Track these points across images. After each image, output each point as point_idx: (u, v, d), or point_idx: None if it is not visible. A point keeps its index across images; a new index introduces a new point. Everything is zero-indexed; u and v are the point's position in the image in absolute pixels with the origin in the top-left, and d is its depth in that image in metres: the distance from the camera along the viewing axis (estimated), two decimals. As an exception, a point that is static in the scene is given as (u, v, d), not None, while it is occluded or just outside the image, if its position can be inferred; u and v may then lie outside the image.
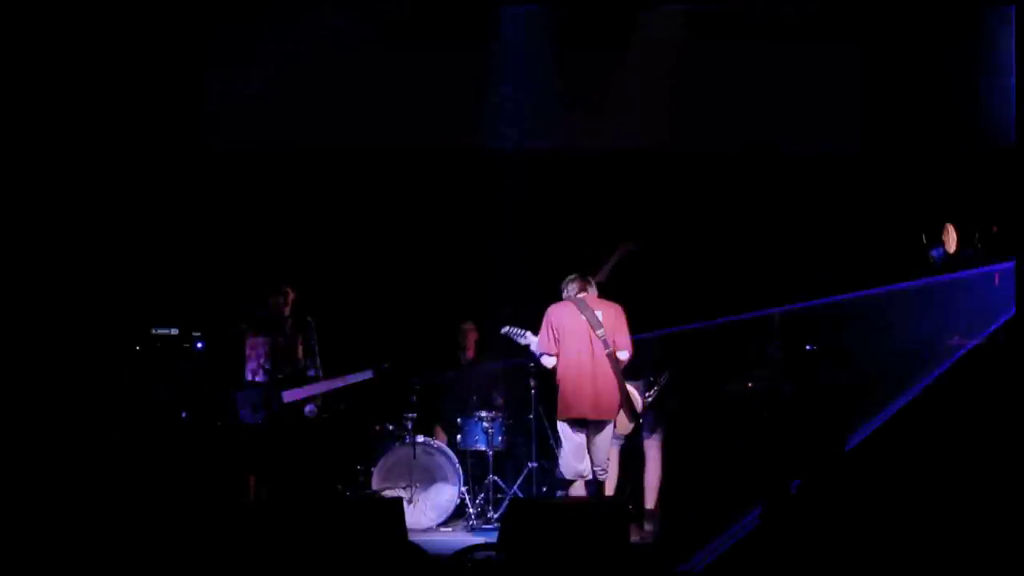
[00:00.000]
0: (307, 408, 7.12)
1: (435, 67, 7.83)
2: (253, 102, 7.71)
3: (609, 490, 6.88)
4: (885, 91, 7.76)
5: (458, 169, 8.33)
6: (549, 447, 7.69)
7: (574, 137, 8.19)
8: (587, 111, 8.06)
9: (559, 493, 7.44)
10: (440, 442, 7.96)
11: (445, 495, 7.59)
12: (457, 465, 7.59)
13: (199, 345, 7.51)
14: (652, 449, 7.24)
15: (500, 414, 7.73)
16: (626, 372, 6.78)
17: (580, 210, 8.34)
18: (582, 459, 6.71)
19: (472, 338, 8.24)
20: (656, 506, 7.20)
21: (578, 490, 6.74)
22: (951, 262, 7.07)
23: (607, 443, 6.76)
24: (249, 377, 7.03)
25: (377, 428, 7.82)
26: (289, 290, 7.12)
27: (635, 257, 7.54)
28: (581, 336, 6.67)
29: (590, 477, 6.68)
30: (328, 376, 7.22)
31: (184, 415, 7.15)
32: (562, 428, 6.75)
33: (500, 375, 7.97)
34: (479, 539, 6.39)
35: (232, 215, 8.17)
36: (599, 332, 6.62)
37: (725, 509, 6.46)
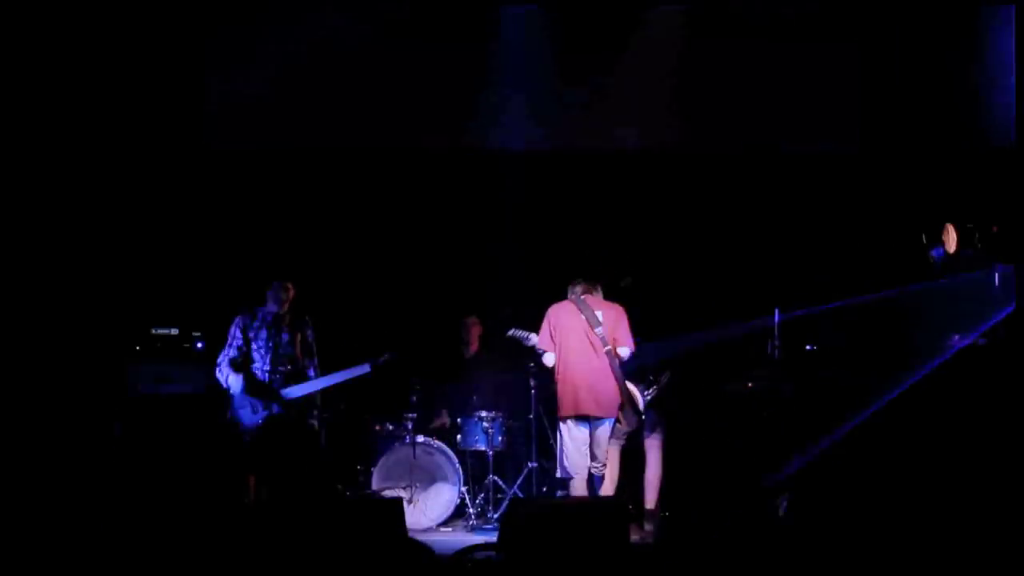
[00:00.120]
0: (308, 422, 7.12)
1: (435, 67, 7.83)
2: (253, 102, 7.71)
3: (609, 490, 6.88)
4: (885, 91, 7.76)
5: (458, 169, 8.34)
6: (549, 447, 7.69)
7: (574, 137, 8.19)
8: (587, 111, 8.06)
9: (559, 493, 7.44)
10: (443, 423, 7.99)
11: (445, 495, 7.59)
12: (457, 465, 7.59)
13: (199, 345, 7.51)
14: (652, 449, 7.24)
15: (500, 414, 7.73)
16: (627, 372, 6.80)
17: (580, 210, 8.35)
18: (582, 458, 6.73)
19: (475, 332, 8.27)
20: (656, 506, 7.21)
21: (578, 490, 6.75)
22: (951, 262, 7.07)
23: (606, 441, 6.80)
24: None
25: (377, 428, 7.83)
26: (290, 287, 7.10)
27: (630, 289, 7.60)
28: (580, 334, 6.74)
29: (586, 475, 6.71)
30: (325, 373, 7.21)
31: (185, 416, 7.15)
32: (562, 427, 6.77)
33: (502, 369, 7.96)
34: (479, 539, 6.39)
35: (233, 215, 8.18)
36: (597, 330, 6.68)
37: (725, 509, 6.47)
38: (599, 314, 6.75)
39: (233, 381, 6.87)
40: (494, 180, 8.34)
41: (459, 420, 7.84)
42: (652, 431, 7.23)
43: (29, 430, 6.87)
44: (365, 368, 7.10)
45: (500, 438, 7.71)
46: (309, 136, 8.04)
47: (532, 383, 7.66)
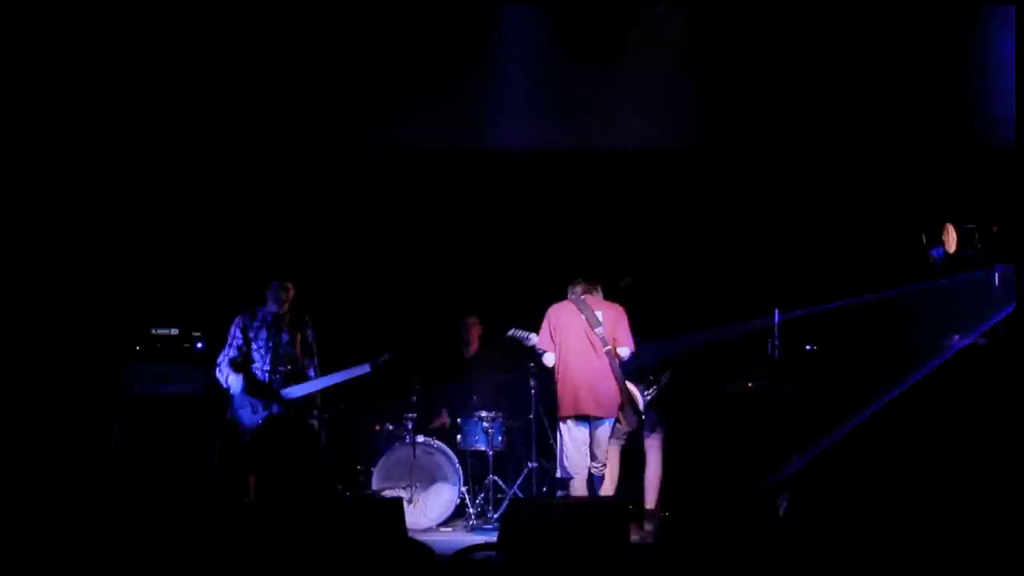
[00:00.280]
0: (308, 422, 7.12)
1: (435, 67, 7.83)
2: (254, 102, 7.70)
3: (609, 490, 6.89)
4: (885, 91, 7.75)
5: (458, 169, 8.34)
6: (549, 447, 7.70)
7: (574, 137, 8.19)
8: (587, 111, 8.06)
9: (559, 493, 7.45)
10: (443, 423, 7.99)
11: (445, 495, 7.59)
12: (457, 465, 7.59)
13: (199, 345, 7.51)
14: (652, 449, 7.25)
15: (500, 414, 7.74)
16: (627, 372, 6.81)
17: (580, 210, 8.35)
18: (582, 458, 6.74)
19: (475, 332, 8.28)
20: (656, 506, 7.21)
21: (578, 490, 6.76)
22: (951, 262, 7.07)
23: (606, 441, 6.81)
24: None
25: (377, 428, 7.83)
26: (289, 287, 7.10)
27: (630, 289, 7.61)
28: (579, 334, 6.76)
29: (586, 475, 6.72)
30: (325, 373, 7.21)
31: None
32: (562, 426, 6.78)
33: (502, 369, 7.96)
34: (479, 539, 6.39)
35: (233, 215, 8.18)
36: (597, 330, 6.69)
37: (725, 509, 6.47)
38: (599, 314, 6.77)
39: (233, 381, 6.87)
40: (494, 180, 8.35)
41: (459, 420, 7.85)
42: (652, 431, 7.24)
43: (29, 430, 6.86)
44: (365, 368, 7.10)
45: (500, 438, 7.71)
46: (310, 136, 8.04)
47: (532, 383, 7.66)
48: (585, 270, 7.10)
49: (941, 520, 5.71)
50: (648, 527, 7.16)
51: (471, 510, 7.65)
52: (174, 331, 7.52)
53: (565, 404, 6.76)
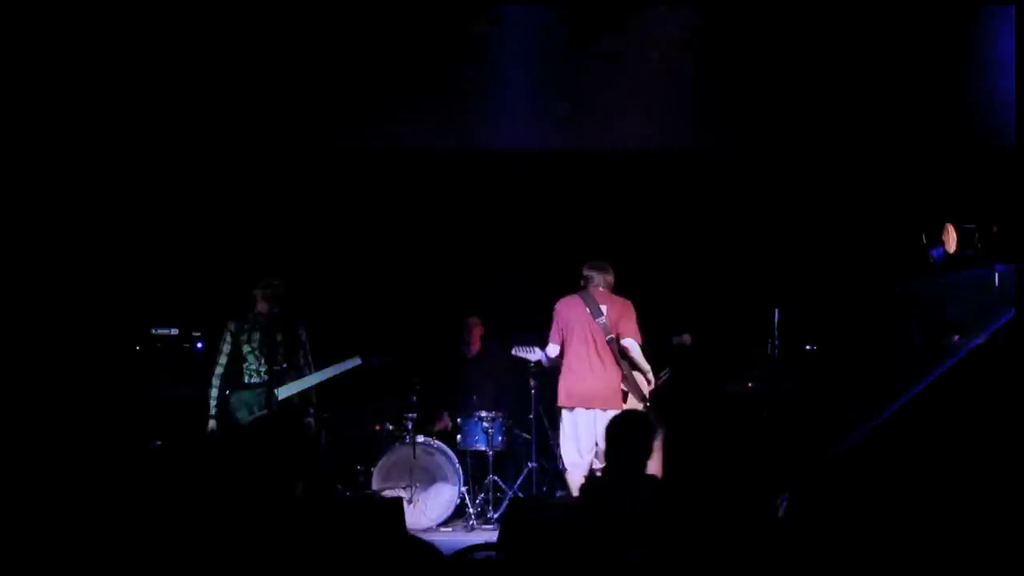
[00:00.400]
0: (304, 420, 7.11)
1: (435, 67, 7.83)
2: (255, 102, 7.70)
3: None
4: (885, 91, 7.75)
5: (458, 169, 8.34)
6: (549, 447, 7.71)
7: (574, 137, 8.20)
8: (588, 111, 8.06)
9: (559, 493, 7.45)
10: (444, 426, 7.99)
11: (445, 495, 7.59)
12: (457, 465, 7.59)
13: (199, 345, 7.51)
14: (652, 449, 7.24)
15: (500, 414, 7.74)
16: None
17: (580, 210, 8.36)
18: (576, 449, 6.78)
19: (477, 332, 8.28)
20: (656, 506, 7.21)
21: (575, 482, 6.76)
22: (951, 262, 7.07)
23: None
24: (245, 379, 7.01)
25: (377, 428, 7.83)
26: (277, 283, 7.07)
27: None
28: (582, 324, 6.84)
29: (586, 470, 6.72)
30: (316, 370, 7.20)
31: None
32: (564, 416, 6.84)
33: (503, 369, 7.97)
34: (479, 539, 6.39)
35: (234, 215, 8.18)
36: (599, 320, 6.75)
37: (725, 509, 6.46)
38: (603, 307, 6.83)
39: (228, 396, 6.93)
40: (494, 180, 8.36)
41: (459, 420, 7.85)
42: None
43: (29, 431, 6.86)
44: (356, 361, 7.06)
45: (500, 438, 7.71)
46: (311, 137, 8.04)
47: (532, 383, 7.67)
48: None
49: (942, 520, 5.70)
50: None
51: (471, 510, 7.65)
52: (174, 331, 7.53)
53: (567, 395, 6.83)
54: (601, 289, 6.93)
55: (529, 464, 7.70)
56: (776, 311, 7.27)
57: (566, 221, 8.37)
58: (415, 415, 7.68)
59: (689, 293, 8.18)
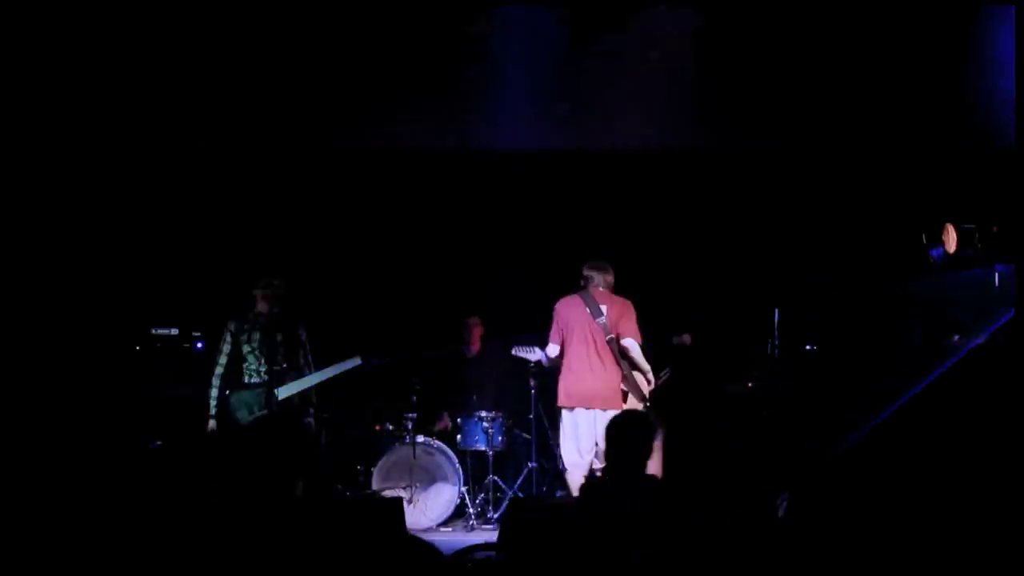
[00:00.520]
0: (304, 420, 7.12)
1: (435, 66, 7.83)
2: (255, 102, 7.71)
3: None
4: (885, 91, 7.76)
5: (458, 169, 8.35)
6: (549, 447, 7.71)
7: (574, 137, 8.20)
8: (588, 111, 8.07)
9: (559, 493, 7.45)
10: (444, 426, 7.99)
11: (445, 495, 7.59)
12: (457, 465, 7.59)
13: (199, 345, 7.51)
14: (652, 449, 7.24)
15: (500, 414, 7.74)
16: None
17: (580, 210, 8.36)
18: (576, 449, 6.78)
19: (477, 332, 8.28)
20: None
21: (575, 482, 6.76)
22: (951, 262, 7.07)
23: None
24: (245, 379, 7.01)
25: (377, 428, 7.84)
26: (276, 283, 7.07)
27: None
28: (583, 327, 6.83)
29: (586, 470, 6.73)
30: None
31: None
32: (564, 416, 6.85)
33: (503, 369, 7.97)
34: (479, 539, 6.39)
35: (234, 215, 8.18)
36: (599, 320, 6.75)
37: (725, 509, 6.46)
38: (603, 307, 6.82)
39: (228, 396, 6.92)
40: (494, 180, 8.36)
41: (459, 420, 7.85)
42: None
43: (29, 431, 6.86)
44: (356, 361, 7.06)
45: (500, 438, 7.71)
46: (311, 137, 8.04)
47: (532, 383, 7.66)
48: (598, 264, 7.08)
49: (942, 520, 5.70)
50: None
51: (471, 510, 7.65)
52: (174, 331, 7.53)
53: (566, 395, 6.83)
54: (601, 289, 6.92)
55: (529, 464, 7.70)
56: (776, 311, 7.27)
57: (566, 221, 8.36)
58: (415, 415, 7.68)
59: (689, 293, 8.18)
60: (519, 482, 7.74)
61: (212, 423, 6.90)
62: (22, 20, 7.08)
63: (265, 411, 6.86)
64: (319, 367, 7.09)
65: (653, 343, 7.17)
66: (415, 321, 8.32)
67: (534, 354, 7.09)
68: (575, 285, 7.01)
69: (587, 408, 6.77)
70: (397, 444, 7.65)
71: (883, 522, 5.72)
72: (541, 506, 6.40)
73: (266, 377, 6.91)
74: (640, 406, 6.83)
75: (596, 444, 6.73)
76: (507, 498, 7.59)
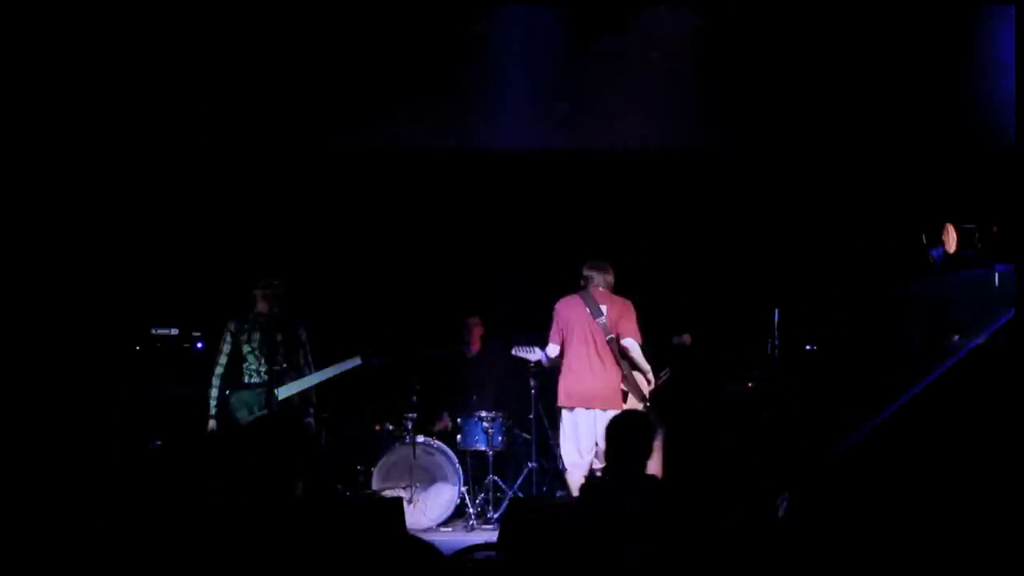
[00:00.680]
0: (304, 420, 7.12)
1: (435, 66, 7.84)
2: (256, 103, 7.71)
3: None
4: (885, 91, 7.76)
5: (458, 169, 8.35)
6: (549, 447, 7.71)
7: (574, 137, 8.20)
8: (588, 111, 8.07)
9: (559, 493, 7.45)
10: (444, 426, 7.99)
11: (445, 495, 7.59)
12: (457, 465, 7.60)
13: (199, 345, 7.51)
14: (652, 449, 7.24)
15: (500, 414, 7.74)
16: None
17: (580, 210, 8.36)
18: (576, 449, 6.78)
19: (477, 332, 8.28)
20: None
21: (575, 482, 6.76)
22: (951, 262, 7.07)
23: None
24: (245, 379, 7.01)
25: (377, 428, 7.84)
26: (276, 283, 7.07)
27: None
28: (583, 327, 6.84)
29: (586, 470, 6.73)
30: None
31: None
32: (564, 416, 6.85)
33: (503, 369, 7.98)
34: (479, 539, 6.39)
35: (234, 215, 8.18)
36: (599, 320, 6.75)
37: (725, 509, 6.46)
38: (603, 307, 6.82)
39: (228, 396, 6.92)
40: (494, 180, 8.36)
41: (459, 420, 7.85)
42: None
43: (29, 430, 6.86)
44: (356, 361, 7.06)
45: (500, 438, 7.71)
46: (311, 137, 8.04)
47: (532, 383, 7.67)
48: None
49: (941, 520, 5.71)
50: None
51: (471, 510, 7.65)
52: (174, 331, 7.53)
53: (566, 395, 6.83)
54: (601, 289, 6.93)
55: (529, 464, 7.70)
56: (776, 311, 7.26)
57: (566, 221, 8.37)
58: (415, 415, 7.68)
59: (689, 293, 8.18)
60: (519, 482, 7.74)
61: (212, 423, 6.90)
62: (22, 20, 7.07)
63: (265, 411, 6.86)
64: (319, 367, 7.09)
65: (653, 343, 7.17)
66: (415, 321, 8.32)
67: (534, 354, 7.10)
68: (575, 285, 7.01)
69: (587, 408, 6.77)
70: (397, 444, 7.65)
71: (883, 522, 5.72)
72: (541, 506, 6.40)
73: (266, 377, 6.91)
74: (640, 406, 6.83)
75: (596, 444, 6.72)
76: (507, 498, 7.59)
